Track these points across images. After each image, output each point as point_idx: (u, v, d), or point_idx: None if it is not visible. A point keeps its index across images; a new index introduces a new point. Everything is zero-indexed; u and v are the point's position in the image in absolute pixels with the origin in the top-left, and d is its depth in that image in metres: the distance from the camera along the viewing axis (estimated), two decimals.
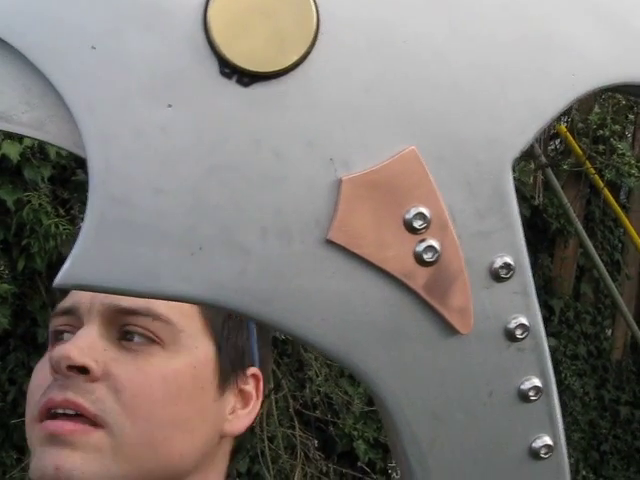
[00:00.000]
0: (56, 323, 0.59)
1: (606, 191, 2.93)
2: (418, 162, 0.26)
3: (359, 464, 2.93)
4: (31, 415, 0.55)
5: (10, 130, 0.25)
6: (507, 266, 0.28)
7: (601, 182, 2.97)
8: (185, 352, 0.58)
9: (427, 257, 0.27)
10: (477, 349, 0.28)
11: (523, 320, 0.29)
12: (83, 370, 0.54)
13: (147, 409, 0.55)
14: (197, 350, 0.58)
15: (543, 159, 2.69)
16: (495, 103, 0.27)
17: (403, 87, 0.26)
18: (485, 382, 0.29)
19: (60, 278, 0.25)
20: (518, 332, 0.29)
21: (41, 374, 0.57)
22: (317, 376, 2.62)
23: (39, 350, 2.70)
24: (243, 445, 0.63)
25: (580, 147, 2.91)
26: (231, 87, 0.25)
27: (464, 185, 0.27)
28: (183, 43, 0.24)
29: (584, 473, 3.61)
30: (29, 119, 0.25)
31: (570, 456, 3.63)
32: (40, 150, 2.35)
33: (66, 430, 0.53)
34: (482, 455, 0.29)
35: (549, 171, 2.91)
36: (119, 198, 0.25)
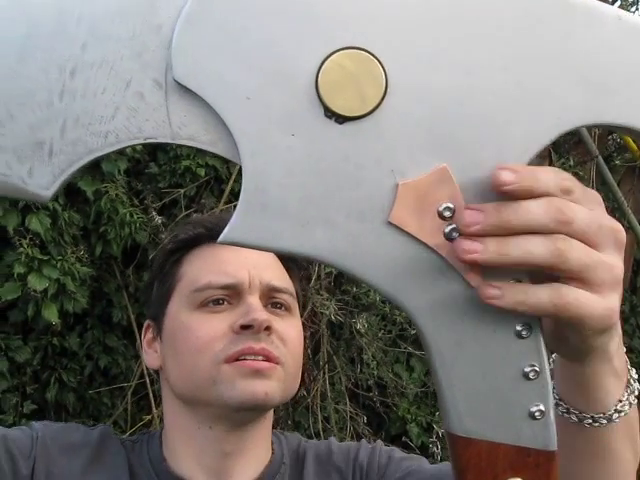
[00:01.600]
0: (213, 293, 0.78)
1: None
2: (448, 174, 0.39)
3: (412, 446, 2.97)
4: (212, 359, 0.75)
5: (194, 146, 0.39)
6: None
7: None
8: (298, 317, 0.84)
9: (451, 235, 0.39)
10: None
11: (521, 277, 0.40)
12: (268, 328, 0.75)
13: (297, 352, 0.80)
14: (299, 316, 0.84)
15: (595, 151, 2.69)
16: (503, 136, 0.40)
17: (441, 124, 0.39)
18: (492, 322, 0.40)
19: (222, 238, 0.39)
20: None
21: (211, 329, 0.76)
22: (373, 360, 2.69)
23: (113, 329, 2.77)
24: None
25: (635, 142, 2.89)
26: (331, 125, 0.39)
27: (476, 190, 0.39)
28: (303, 96, 0.38)
29: None
30: (207, 139, 0.39)
31: None
32: None
33: (265, 367, 0.74)
34: (488, 374, 0.41)
35: (603, 165, 2.90)
36: (260, 189, 0.39)
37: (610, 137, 3.27)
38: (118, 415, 2.58)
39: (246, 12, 0.38)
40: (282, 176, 0.39)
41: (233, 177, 2.54)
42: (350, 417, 2.49)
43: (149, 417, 2.45)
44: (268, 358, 0.75)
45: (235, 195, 2.69)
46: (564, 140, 3.04)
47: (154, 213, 2.43)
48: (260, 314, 0.76)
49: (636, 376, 0.54)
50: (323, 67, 0.38)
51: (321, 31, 0.38)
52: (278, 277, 0.83)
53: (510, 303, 0.39)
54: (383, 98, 0.38)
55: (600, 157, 2.88)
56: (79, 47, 0.38)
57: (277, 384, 0.76)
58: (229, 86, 0.38)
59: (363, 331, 2.50)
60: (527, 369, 0.40)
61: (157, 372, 0.86)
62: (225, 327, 0.76)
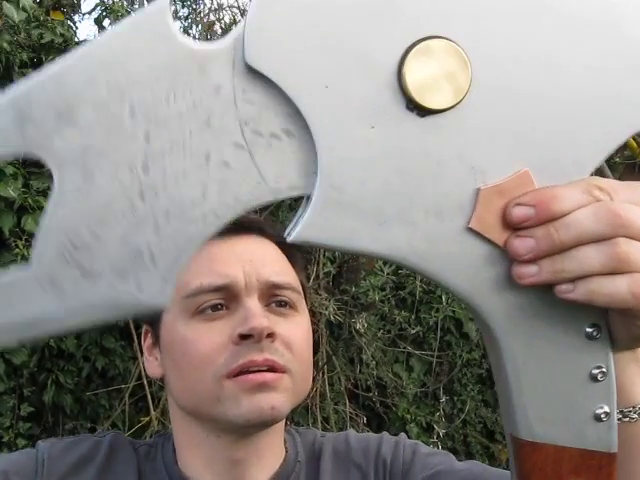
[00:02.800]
0: (207, 298, 0.70)
1: None
2: (530, 179, 0.38)
3: None
4: (214, 375, 0.68)
5: (299, 195, 0.37)
6: None
7: None
8: (304, 313, 0.76)
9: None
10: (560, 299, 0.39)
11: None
12: (270, 334, 0.68)
13: (305, 355, 0.73)
14: (306, 311, 0.76)
15: None
16: (580, 136, 0.38)
17: (521, 121, 0.38)
18: (563, 323, 0.40)
19: (295, 237, 0.37)
20: None
21: (210, 342, 0.69)
22: (372, 360, 2.69)
23: (110, 330, 2.77)
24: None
25: (635, 140, 2.88)
26: (412, 117, 0.37)
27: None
28: (384, 87, 0.36)
29: None
30: (306, 182, 0.37)
31: None
32: None
33: (270, 379, 0.67)
34: (557, 377, 0.40)
35: (603, 164, 2.90)
36: (336, 186, 0.37)
37: None
38: (116, 417, 2.58)
39: (321, 5, 0.36)
40: (360, 172, 0.37)
41: None
42: (350, 417, 2.49)
43: (147, 419, 2.44)
44: (273, 368, 0.69)
45: None
46: None
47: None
48: (260, 321, 0.68)
49: None
50: (407, 57, 0.36)
51: (404, 20, 0.36)
52: (278, 271, 0.75)
53: (584, 294, 0.38)
54: (465, 95, 0.36)
55: None
56: (142, 139, 0.35)
57: (285, 395, 0.69)
58: (306, 73, 0.35)
59: (362, 331, 2.49)
60: (595, 371, 0.40)
61: (161, 379, 0.80)
62: (224, 338, 0.70)
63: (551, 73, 0.38)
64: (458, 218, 0.38)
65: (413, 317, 2.87)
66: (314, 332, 2.27)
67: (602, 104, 0.39)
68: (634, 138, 2.90)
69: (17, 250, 2.25)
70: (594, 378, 0.40)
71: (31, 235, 2.28)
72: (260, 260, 0.73)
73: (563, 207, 0.37)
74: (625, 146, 3.04)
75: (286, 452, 0.78)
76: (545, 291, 0.38)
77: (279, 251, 0.77)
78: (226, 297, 0.71)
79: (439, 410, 2.98)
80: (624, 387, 0.49)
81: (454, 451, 3.10)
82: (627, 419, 0.50)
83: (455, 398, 3.11)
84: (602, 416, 0.40)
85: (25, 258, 2.24)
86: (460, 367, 3.06)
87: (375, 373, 2.66)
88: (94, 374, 2.73)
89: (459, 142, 0.37)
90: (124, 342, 2.80)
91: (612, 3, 0.38)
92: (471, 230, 0.38)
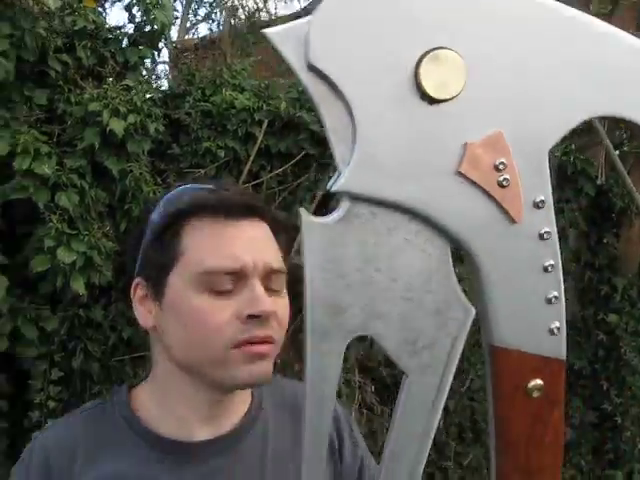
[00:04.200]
0: (221, 280, 0.81)
1: None
2: (502, 138, 0.51)
3: None
4: (223, 344, 0.80)
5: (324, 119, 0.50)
6: (541, 202, 0.52)
7: None
8: (286, 292, 0.88)
9: (504, 183, 0.51)
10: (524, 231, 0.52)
11: (547, 228, 0.53)
12: (272, 315, 0.81)
13: (285, 328, 0.85)
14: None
15: (605, 139, 2.77)
16: (542, 117, 0.52)
17: (502, 109, 0.51)
18: (526, 258, 0.53)
19: (338, 187, 0.49)
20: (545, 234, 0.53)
21: (221, 317, 0.80)
22: None
23: None
24: None
25: None
26: (424, 105, 0.50)
27: (523, 152, 0.52)
28: (405, 82, 0.49)
29: None
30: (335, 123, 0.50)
31: (628, 429, 3.67)
32: (142, 127, 2.52)
33: (267, 351, 0.81)
34: (521, 296, 0.53)
35: (613, 152, 2.98)
36: (370, 154, 0.49)
37: (622, 127, 3.34)
38: (139, 382, 2.70)
39: (364, 17, 0.49)
40: (386, 142, 0.50)
41: (251, 158, 2.64)
42: (359, 386, 2.60)
43: None
44: (269, 341, 0.82)
45: (253, 175, 2.79)
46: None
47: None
48: (268, 305, 0.81)
49: None
50: (422, 62, 0.49)
51: (421, 31, 0.50)
52: (276, 258, 0.86)
53: None
54: (463, 88, 0.50)
55: (610, 143, 2.95)
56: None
57: (271, 361, 0.83)
58: (352, 71, 0.49)
59: None
60: (549, 295, 0.53)
61: (146, 331, 0.89)
62: (233, 314, 0.80)
63: (525, 72, 0.51)
64: (452, 173, 0.51)
65: None
66: None
67: (560, 95, 0.52)
68: None
69: (51, 224, 2.38)
70: (549, 301, 0.53)
71: (64, 210, 2.42)
72: (264, 247, 0.85)
73: None
74: (633, 136, 3.13)
75: (252, 397, 0.94)
76: (518, 228, 0.51)
77: (271, 234, 0.87)
78: (235, 279, 0.81)
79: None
80: None
81: (460, 426, 3.21)
82: None
83: (464, 376, 3.22)
84: (555, 330, 0.53)
85: (59, 231, 2.37)
86: (470, 347, 3.16)
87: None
88: (120, 343, 2.85)
89: (456, 123, 0.50)
90: None
91: (569, 22, 0.52)
92: (460, 176, 0.51)
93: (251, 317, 0.80)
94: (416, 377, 0.52)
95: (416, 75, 0.49)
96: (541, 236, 0.52)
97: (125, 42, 2.79)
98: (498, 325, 0.53)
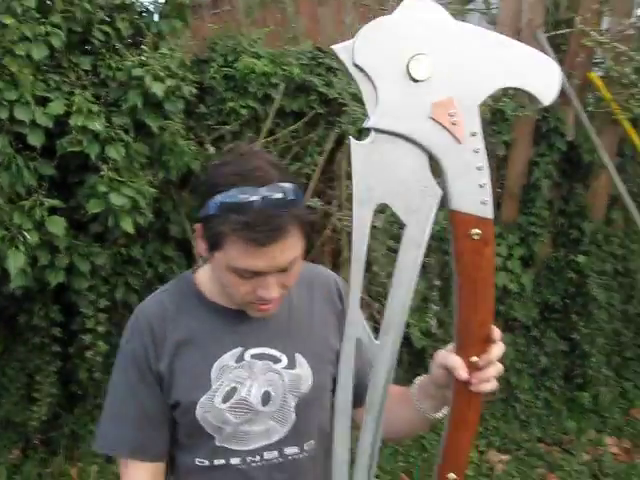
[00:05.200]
0: (245, 273, 1.08)
1: (626, 125, 3.35)
2: (452, 100, 0.93)
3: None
4: (240, 299, 1.15)
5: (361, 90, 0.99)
6: (474, 133, 0.94)
7: (625, 121, 3.40)
8: (300, 257, 1.16)
9: (454, 122, 0.92)
10: (466, 148, 0.95)
11: (479, 146, 0.95)
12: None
13: (292, 284, 1.17)
14: (301, 252, 1.16)
15: (574, 101, 3.16)
16: (474, 86, 0.95)
17: (454, 85, 0.93)
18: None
19: (371, 124, 0.90)
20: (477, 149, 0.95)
21: (242, 289, 1.11)
22: (381, 272, 3.19)
23: (169, 242, 3.24)
24: None
25: (609, 91, 3.36)
26: (412, 83, 0.91)
27: (464, 106, 0.93)
28: (404, 71, 0.92)
29: (607, 373, 4.04)
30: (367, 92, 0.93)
31: (594, 356, 3.99)
32: (177, 89, 2.86)
33: (270, 308, 1.16)
34: (464, 171, 0.96)
35: (582, 112, 3.38)
36: (385, 108, 0.92)
37: (589, 92, 3.69)
38: None
39: (382, 38, 0.88)
40: (398, 102, 0.91)
41: (271, 117, 3.04)
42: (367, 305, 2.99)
43: None
44: (274, 302, 1.15)
45: (270, 132, 3.20)
46: None
47: (208, 145, 2.92)
48: (273, 294, 1.11)
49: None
50: (410, 62, 0.90)
51: (411, 46, 0.89)
52: (293, 260, 1.10)
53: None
54: (431, 75, 0.91)
55: (579, 104, 3.35)
56: None
57: (277, 304, 1.16)
58: (375, 66, 0.90)
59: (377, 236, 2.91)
60: (478, 165, 0.95)
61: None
62: (249, 289, 1.11)
63: (463, 64, 0.94)
64: (428, 115, 0.92)
65: None
66: (338, 241, 2.83)
67: (481, 75, 0.94)
68: (607, 89, 3.37)
69: (102, 172, 2.78)
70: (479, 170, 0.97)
71: (114, 161, 2.80)
72: (283, 259, 1.08)
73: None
74: (600, 98, 3.52)
75: None
76: (462, 146, 0.94)
77: (301, 232, 1.10)
78: (255, 276, 1.10)
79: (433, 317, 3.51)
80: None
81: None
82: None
83: (450, 308, 3.63)
84: (483, 185, 0.94)
85: (109, 178, 2.77)
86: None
87: (386, 282, 3.18)
88: (155, 278, 3.24)
89: (429, 93, 0.92)
90: (181, 252, 3.33)
91: (487, 36, 0.95)
92: (432, 118, 0.93)
93: (270, 300, 1.13)
94: (411, 227, 0.96)
95: (407, 67, 0.92)
96: (475, 150, 0.96)
97: (157, 16, 3.16)
98: (453, 198, 0.96)
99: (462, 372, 0.94)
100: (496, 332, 0.97)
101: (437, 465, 1.00)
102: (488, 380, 0.96)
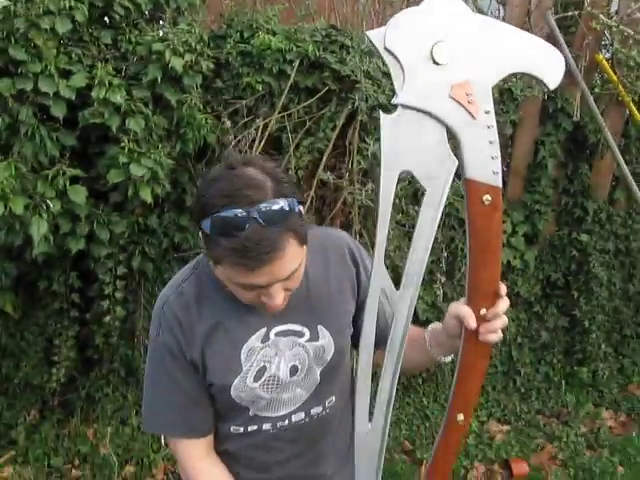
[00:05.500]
0: (251, 289, 1.12)
1: (631, 106, 3.43)
2: (469, 82, 1.06)
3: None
4: (249, 298, 1.17)
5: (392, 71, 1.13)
6: (487, 111, 1.06)
7: (631, 103, 3.48)
8: (302, 263, 1.20)
9: (470, 101, 1.05)
10: (480, 124, 1.07)
11: (491, 123, 1.07)
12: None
13: (296, 287, 1.23)
14: (303, 254, 1.19)
15: (581, 82, 3.24)
16: (486, 69, 1.07)
17: (471, 68, 1.06)
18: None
19: (397, 101, 1.04)
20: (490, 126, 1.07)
21: (245, 296, 1.16)
22: (390, 246, 3.28)
23: (185, 212, 3.29)
24: None
25: (615, 73, 3.44)
26: (434, 65, 1.04)
27: (478, 87, 1.06)
28: (428, 54, 1.04)
29: (605, 350, 4.15)
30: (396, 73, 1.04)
31: (594, 333, 4.07)
32: (196, 64, 2.92)
33: (275, 310, 1.21)
34: (478, 145, 1.08)
35: (588, 93, 3.46)
36: (411, 86, 1.04)
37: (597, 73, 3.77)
38: None
39: (410, 26, 1.01)
40: (423, 82, 1.03)
41: (285, 92, 3.12)
42: None
43: None
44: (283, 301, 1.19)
45: (284, 107, 3.28)
46: None
47: (225, 119, 3.01)
48: (277, 304, 1.16)
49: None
50: (433, 48, 1.02)
51: (433, 34, 1.02)
52: (295, 272, 1.13)
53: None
54: (452, 58, 1.03)
55: (585, 86, 3.43)
56: None
57: (284, 303, 1.21)
58: (403, 50, 1.01)
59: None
60: (491, 139, 1.07)
61: None
62: (253, 296, 1.15)
63: (477, 51, 1.05)
64: (447, 94, 1.03)
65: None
66: (348, 215, 2.94)
67: (493, 61, 1.06)
68: (614, 71, 3.45)
69: (123, 144, 2.87)
70: (491, 144, 1.07)
71: (134, 133, 2.89)
72: (281, 272, 1.10)
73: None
74: (606, 80, 3.60)
75: None
76: (476, 122, 1.05)
77: (299, 241, 1.11)
78: (260, 288, 1.14)
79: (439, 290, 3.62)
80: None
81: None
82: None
83: (454, 282, 3.76)
84: (494, 157, 1.07)
85: (130, 150, 2.85)
86: (461, 258, 3.68)
87: (392, 255, 3.30)
88: (170, 247, 3.33)
89: (448, 73, 1.04)
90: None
91: (497, 25, 1.06)
92: (452, 97, 1.04)
93: (275, 307, 1.18)
94: (430, 191, 1.06)
95: (431, 52, 1.02)
96: (488, 126, 1.06)
97: None
98: (469, 168, 1.07)
99: (472, 321, 1.05)
100: (503, 288, 1.08)
101: (447, 407, 1.11)
102: (495, 331, 1.07)
